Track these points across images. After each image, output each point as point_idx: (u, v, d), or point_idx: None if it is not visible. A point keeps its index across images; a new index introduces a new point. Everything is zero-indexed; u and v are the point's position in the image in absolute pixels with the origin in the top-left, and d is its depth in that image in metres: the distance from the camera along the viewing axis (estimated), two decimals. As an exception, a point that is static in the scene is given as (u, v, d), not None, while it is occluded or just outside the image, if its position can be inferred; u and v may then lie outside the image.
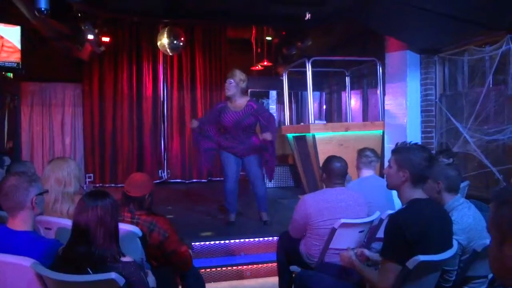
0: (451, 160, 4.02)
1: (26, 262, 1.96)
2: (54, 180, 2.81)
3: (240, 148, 4.90)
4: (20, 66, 6.35)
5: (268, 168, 5.10)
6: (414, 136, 5.49)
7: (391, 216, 2.27)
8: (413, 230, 2.11)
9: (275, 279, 3.88)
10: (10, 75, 7.21)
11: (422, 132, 5.58)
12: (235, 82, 4.82)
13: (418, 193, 2.28)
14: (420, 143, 2.45)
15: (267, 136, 4.77)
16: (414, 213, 2.19)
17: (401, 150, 2.34)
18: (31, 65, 6.78)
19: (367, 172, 3.72)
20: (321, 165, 3.33)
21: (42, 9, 4.34)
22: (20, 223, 2.13)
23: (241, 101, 4.87)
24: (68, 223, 2.13)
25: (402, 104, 5.63)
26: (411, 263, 2.09)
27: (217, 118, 4.95)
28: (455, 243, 2.36)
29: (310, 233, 3.04)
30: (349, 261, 2.49)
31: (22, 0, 4.99)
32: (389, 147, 5.67)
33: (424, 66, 5.52)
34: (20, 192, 2.10)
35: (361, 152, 3.86)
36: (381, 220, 3.15)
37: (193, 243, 3.93)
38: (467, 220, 2.51)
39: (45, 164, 8.06)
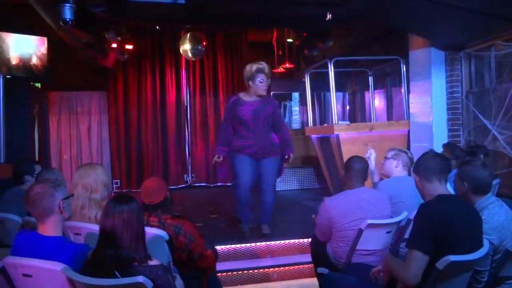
0: (481, 157, 3.93)
1: (57, 266, 2.01)
2: (81, 187, 2.86)
3: (260, 145, 4.39)
4: (47, 76, 6.52)
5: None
6: (440, 134, 5.39)
7: (420, 206, 2.32)
8: (440, 221, 2.17)
9: (301, 282, 3.88)
10: (38, 85, 7.41)
11: (449, 130, 5.46)
12: (268, 78, 4.43)
13: (437, 186, 2.38)
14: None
15: (291, 156, 4.56)
16: (442, 206, 2.26)
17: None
18: (57, 75, 6.95)
19: (403, 172, 3.63)
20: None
21: (67, 19, 4.44)
22: (50, 228, 2.18)
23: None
24: (97, 228, 2.17)
25: (427, 102, 5.53)
26: (441, 264, 2.06)
27: (233, 115, 4.45)
28: (486, 242, 2.31)
29: (335, 236, 3.02)
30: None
31: (48, 12, 5.12)
32: (415, 146, 5.57)
33: (449, 63, 5.41)
34: (47, 199, 2.15)
35: (405, 154, 3.66)
36: (409, 221, 3.09)
37: (218, 247, 3.95)
38: (499, 219, 2.45)
39: (74, 171, 8.29)
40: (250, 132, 4.40)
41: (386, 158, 3.65)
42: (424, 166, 2.46)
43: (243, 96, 4.47)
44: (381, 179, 3.83)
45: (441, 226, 2.16)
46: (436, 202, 2.31)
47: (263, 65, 4.42)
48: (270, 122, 4.49)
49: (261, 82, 4.36)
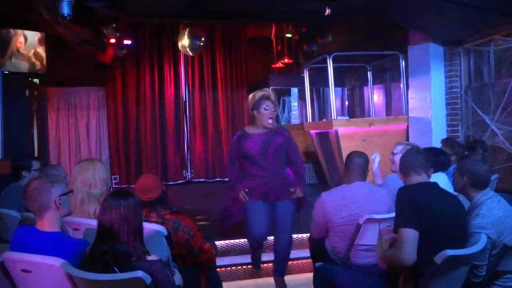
0: (480, 152, 3.94)
1: (55, 262, 2.01)
2: (80, 181, 2.87)
3: (272, 184, 3.69)
4: (46, 72, 6.51)
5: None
6: (439, 129, 5.40)
7: (398, 190, 2.45)
8: (418, 200, 2.33)
9: (301, 276, 3.88)
10: (37, 80, 7.40)
11: (448, 126, 5.47)
12: (274, 106, 3.77)
13: (416, 177, 2.53)
14: None
15: (299, 193, 3.76)
16: (419, 188, 2.45)
17: None
18: (56, 71, 6.94)
19: None
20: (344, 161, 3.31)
21: (65, 14, 4.43)
22: (47, 224, 2.18)
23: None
24: (95, 223, 2.17)
25: (426, 97, 5.53)
26: (438, 258, 2.07)
27: (238, 152, 3.80)
28: (484, 237, 2.32)
29: (332, 231, 3.02)
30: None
31: (46, 7, 5.10)
32: (413, 141, 5.57)
33: (448, 58, 5.41)
34: (43, 194, 2.16)
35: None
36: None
37: (217, 242, 3.94)
38: (497, 214, 2.46)
39: (72, 166, 8.30)
40: (259, 169, 3.72)
41: (394, 153, 3.59)
42: (403, 163, 2.61)
43: (249, 129, 3.82)
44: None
45: (419, 204, 2.31)
46: (413, 186, 2.49)
47: (268, 91, 3.82)
48: (282, 155, 3.77)
49: (267, 109, 3.68)
